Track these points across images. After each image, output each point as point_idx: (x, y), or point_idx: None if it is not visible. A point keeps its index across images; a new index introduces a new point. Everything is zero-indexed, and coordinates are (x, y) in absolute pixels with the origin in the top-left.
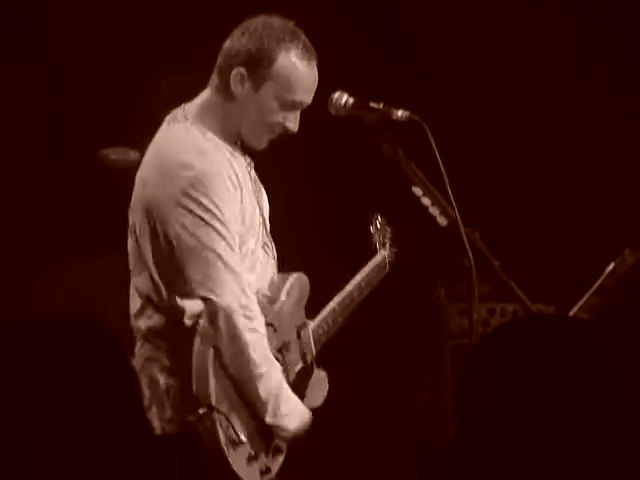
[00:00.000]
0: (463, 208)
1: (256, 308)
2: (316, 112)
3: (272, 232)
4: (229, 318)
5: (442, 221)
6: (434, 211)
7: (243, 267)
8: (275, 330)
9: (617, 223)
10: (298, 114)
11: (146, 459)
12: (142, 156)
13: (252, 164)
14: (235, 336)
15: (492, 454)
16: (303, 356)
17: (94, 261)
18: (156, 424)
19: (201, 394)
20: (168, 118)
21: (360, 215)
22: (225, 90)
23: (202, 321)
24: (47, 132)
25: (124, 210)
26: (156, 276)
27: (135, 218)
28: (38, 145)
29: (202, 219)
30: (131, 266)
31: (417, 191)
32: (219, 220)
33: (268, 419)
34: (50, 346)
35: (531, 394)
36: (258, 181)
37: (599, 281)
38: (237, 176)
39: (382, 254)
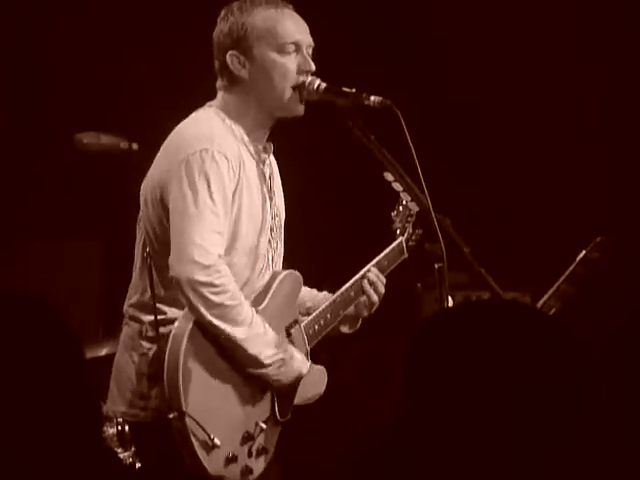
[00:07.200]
0: (436, 195)
1: (226, 281)
2: None
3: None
4: (191, 292)
5: (413, 207)
6: (406, 197)
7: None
8: None
9: (590, 211)
10: (307, 56)
11: (93, 445)
12: (115, 140)
13: (270, 148)
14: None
15: (433, 432)
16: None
17: (61, 244)
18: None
19: (172, 398)
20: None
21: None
22: (231, 80)
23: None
24: (22, 117)
25: (96, 194)
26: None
27: (146, 194)
28: (12, 127)
29: (187, 194)
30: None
31: (389, 177)
32: (205, 198)
33: (262, 370)
34: None
35: (469, 375)
36: (276, 176)
37: (570, 269)
38: (241, 167)
39: (399, 240)
